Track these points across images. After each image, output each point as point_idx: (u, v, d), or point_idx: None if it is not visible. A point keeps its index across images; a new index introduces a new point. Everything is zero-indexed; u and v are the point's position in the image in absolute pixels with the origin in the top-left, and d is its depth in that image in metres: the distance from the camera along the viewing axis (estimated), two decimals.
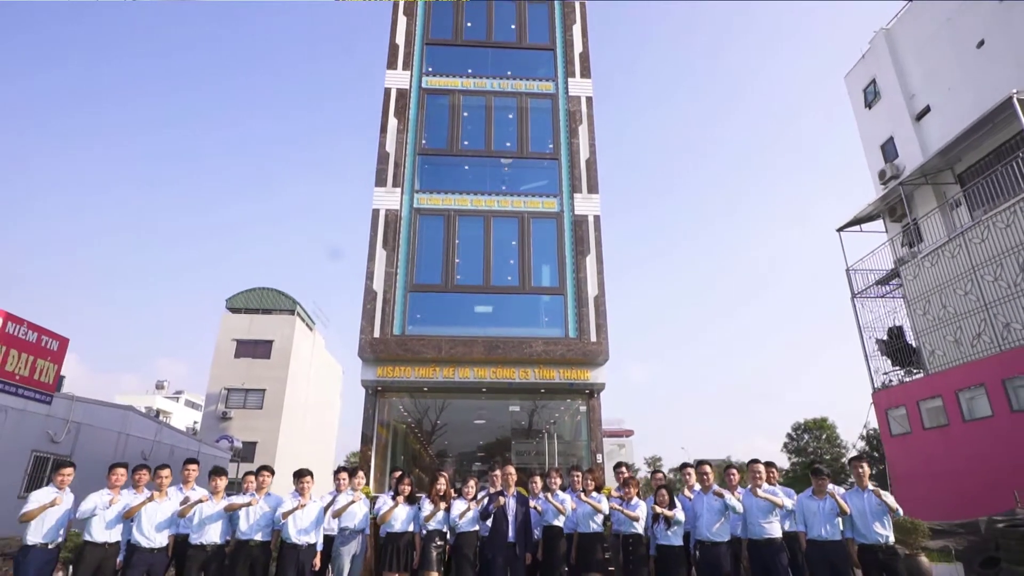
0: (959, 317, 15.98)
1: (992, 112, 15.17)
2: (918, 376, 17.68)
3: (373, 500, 7.46)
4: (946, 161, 17.95)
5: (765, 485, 7.01)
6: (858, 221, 21.09)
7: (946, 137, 17.33)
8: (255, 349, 34.75)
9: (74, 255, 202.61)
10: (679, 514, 6.81)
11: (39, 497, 6.26)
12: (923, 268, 17.38)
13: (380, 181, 16.14)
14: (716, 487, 7.02)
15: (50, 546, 6.23)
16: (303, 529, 6.61)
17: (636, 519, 7.00)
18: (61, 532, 6.35)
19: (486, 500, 7.08)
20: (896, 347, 18.63)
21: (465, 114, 17.62)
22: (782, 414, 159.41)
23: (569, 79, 17.96)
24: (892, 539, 6.32)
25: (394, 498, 7.01)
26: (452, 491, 7.25)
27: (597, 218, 16.25)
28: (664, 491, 6.93)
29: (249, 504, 6.61)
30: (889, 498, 6.34)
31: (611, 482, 10.13)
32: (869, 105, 22.61)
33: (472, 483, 7.32)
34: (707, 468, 7.25)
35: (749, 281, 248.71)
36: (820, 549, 6.46)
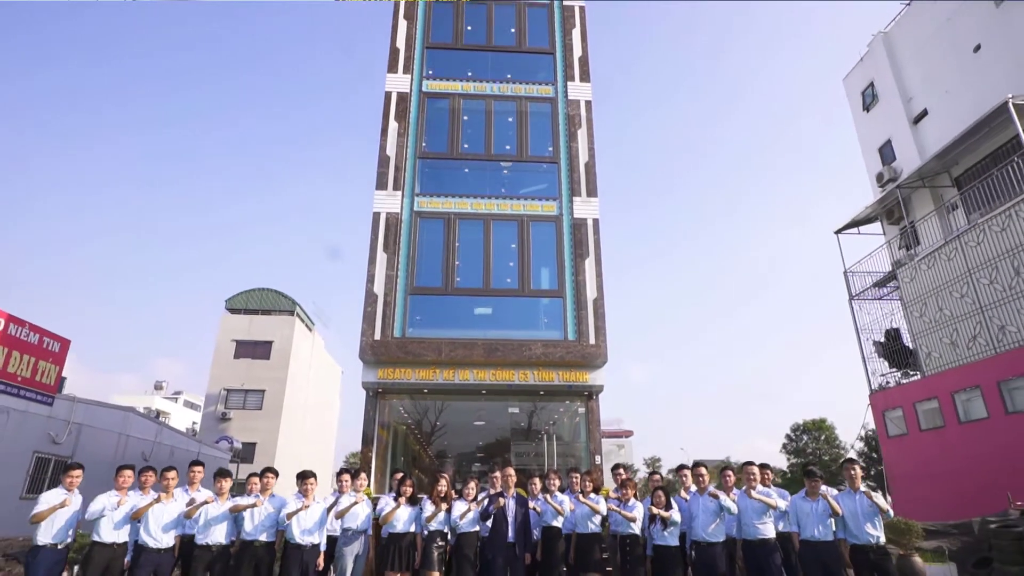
0: (955, 319, 16.11)
1: (988, 116, 15.30)
2: (915, 378, 17.79)
3: (375, 501, 7.57)
4: (943, 164, 18.08)
5: (759, 486, 7.14)
6: (856, 223, 21.21)
7: (943, 140, 17.45)
8: (254, 350, 34.80)
9: (74, 255, 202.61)
10: (675, 515, 6.92)
11: (49, 498, 6.36)
12: (920, 271, 17.50)
13: (381, 184, 16.24)
14: (711, 488, 7.14)
15: (59, 546, 6.34)
16: (307, 530, 6.73)
17: (633, 520, 7.10)
18: (70, 533, 6.47)
19: (486, 501, 7.20)
20: (893, 349, 18.74)
21: (465, 118, 17.72)
22: (782, 414, 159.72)
23: (568, 83, 18.06)
24: (883, 539, 6.45)
25: (396, 499, 7.12)
26: (453, 492, 7.37)
27: (596, 221, 16.35)
28: (661, 492, 7.05)
29: (254, 505, 6.73)
30: (880, 499, 6.47)
31: (609, 483, 10.25)
32: (867, 108, 22.74)
33: (472, 484, 7.43)
34: (703, 470, 7.38)
35: (749, 281, 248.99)
36: (813, 549, 6.58)
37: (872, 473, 33.92)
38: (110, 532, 6.34)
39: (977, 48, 17.86)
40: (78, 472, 6.60)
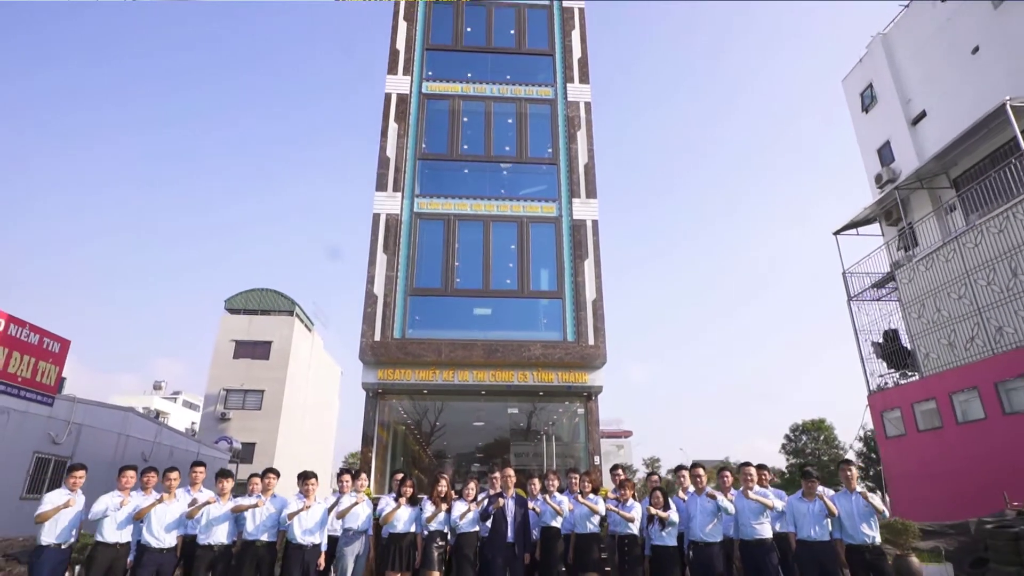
0: (953, 320, 16.16)
1: (986, 118, 15.35)
2: (913, 379, 17.84)
3: (375, 501, 7.62)
4: (941, 166, 18.14)
5: (756, 487, 7.20)
6: (854, 224, 21.28)
7: (942, 142, 17.51)
8: (254, 350, 34.80)
9: (74, 255, 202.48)
10: (673, 515, 6.99)
11: (53, 499, 6.42)
12: (918, 272, 17.56)
13: (381, 186, 16.29)
14: (709, 489, 7.20)
15: (63, 546, 6.40)
16: (308, 530, 6.79)
17: (631, 520, 7.16)
18: (73, 533, 6.53)
19: (486, 502, 7.25)
20: (891, 350, 18.80)
21: (465, 119, 17.77)
22: (782, 414, 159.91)
23: (568, 84, 18.11)
24: (879, 539, 6.51)
25: (397, 500, 7.17)
26: (452, 493, 7.42)
27: (595, 223, 16.40)
28: (659, 493, 7.12)
29: (256, 506, 6.79)
30: (876, 500, 6.54)
31: (608, 484, 10.31)
32: (866, 109, 22.81)
33: (472, 485, 7.49)
34: (700, 471, 7.44)
35: (749, 281, 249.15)
36: (809, 549, 6.64)
37: (871, 474, 33.96)
38: (113, 532, 6.40)
39: (975, 50, 17.92)
40: (81, 472, 6.65)
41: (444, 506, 7.19)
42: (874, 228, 21.46)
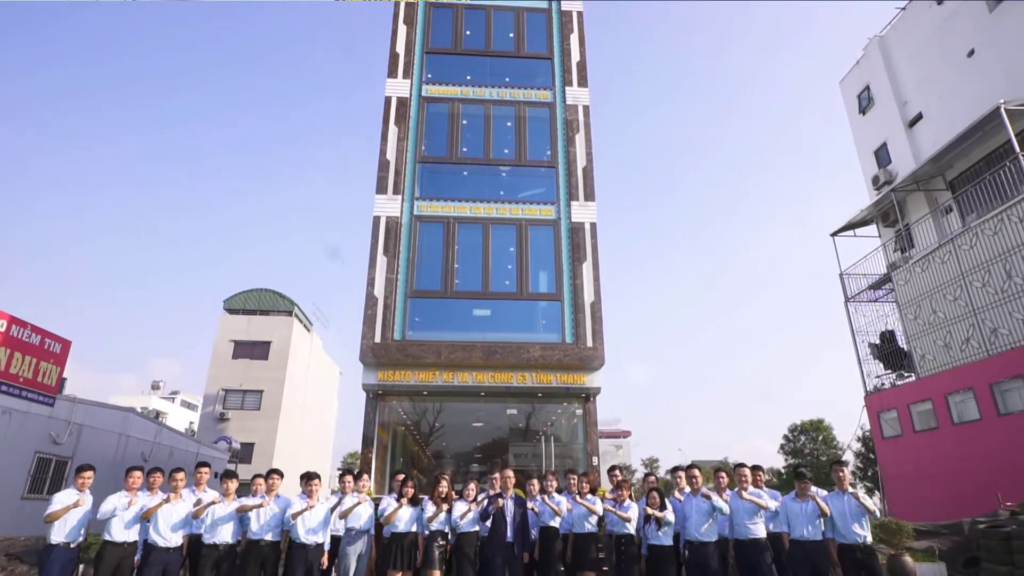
0: (949, 322, 16.28)
1: (981, 121, 15.47)
2: (909, 380, 17.96)
3: (376, 502, 7.74)
4: (938, 168, 18.27)
5: (751, 488, 7.32)
6: (852, 226, 21.40)
7: (938, 144, 17.63)
8: (253, 350, 34.87)
9: (73, 255, 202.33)
10: (669, 515, 7.11)
11: (62, 499, 6.54)
12: (914, 273, 17.67)
13: (381, 188, 16.39)
14: (704, 490, 7.33)
15: (72, 545, 6.53)
16: (311, 529, 6.93)
17: (628, 520, 7.29)
18: (82, 532, 6.66)
19: (486, 502, 7.38)
20: (888, 351, 18.93)
21: (464, 122, 17.87)
22: (782, 414, 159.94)
23: (567, 88, 18.21)
24: (870, 539, 6.64)
25: (398, 500, 7.29)
26: (453, 493, 7.54)
27: (594, 225, 16.51)
28: (655, 493, 7.24)
29: (260, 506, 6.92)
30: (867, 500, 6.68)
31: (606, 484, 10.42)
32: (863, 111, 22.94)
33: (473, 486, 7.62)
34: (696, 471, 7.60)
35: (749, 281, 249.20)
36: (802, 549, 6.76)
37: (870, 474, 34.06)
38: (121, 531, 6.53)
39: (971, 53, 18.04)
40: (90, 473, 6.79)
41: (445, 506, 7.31)
42: (871, 230, 21.59)
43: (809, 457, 42.44)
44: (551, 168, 17.41)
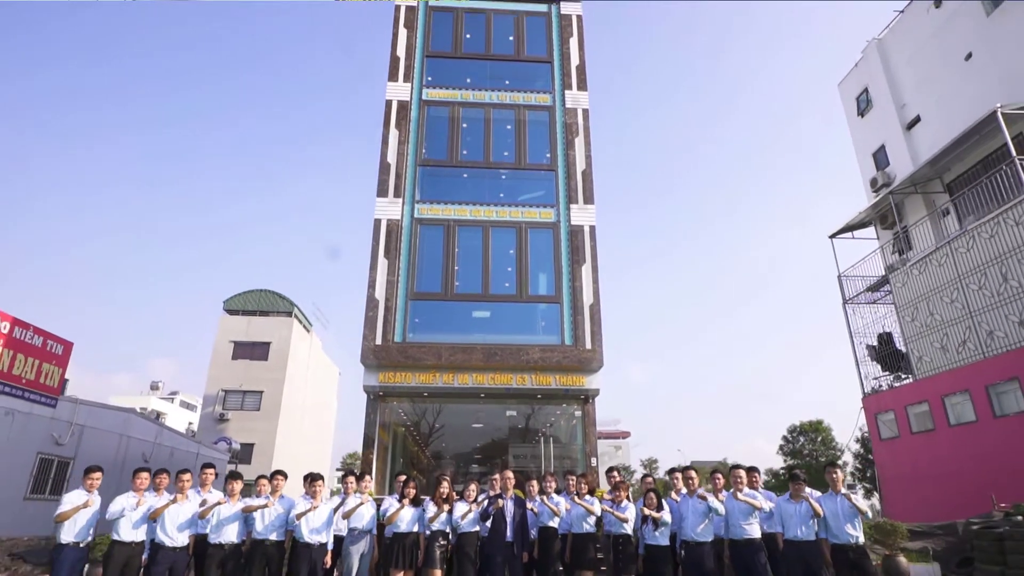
0: (945, 324, 16.37)
1: (978, 124, 15.55)
2: (906, 381, 18.04)
3: (377, 502, 7.85)
4: (935, 171, 18.35)
5: (746, 489, 7.44)
6: (850, 228, 21.46)
7: (936, 147, 17.70)
8: (252, 351, 34.87)
9: (73, 255, 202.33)
10: (666, 516, 7.23)
11: (72, 499, 6.66)
12: (912, 276, 17.74)
13: (382, 191, 16.51)
14: (700, 491, 7.44)
15: (81, 545, 6.66)
16: (315, 529, 7.04)
17: (626, 520, 7.42)
18: (91, 532, 6.79)
19: (486, 503, 7.50)
20: (885, 353, 19.01)
21: (464, 125, 17.99)
22: (782, 415, 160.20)
23: (566, 91, 18.34)
24: (862, 539, 6.75)
25: (400, 500, 7.41)
26: (454, 494, 7.66)
27: (593, 228, 16.63)
28: (652, 494, 7.35)
29: (265, 506, 7.04)
30: (860, 501, 6.79)
31: (605, 485, 10.53)
32: (862, 113, 23.03)
33: (473, 487, 7.74)
34: (692, 473, 7.73)
35: (749, 281, 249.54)
36: (796, 549, 6.88)
37: (868, 475, 34.10)
38: (129, 531, 6.66)
39: (968, 56, 18.12)
40: (98, 474, 6.91)
41: (446, 507, 7.42)
42: (870, 232, 21.65)
43: (808, 458, 42.42)
44: (551, 171, 17.51)
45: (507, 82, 18.69)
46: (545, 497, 7.79)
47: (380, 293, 15.43)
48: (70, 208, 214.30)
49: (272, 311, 37.01)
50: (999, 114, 14.87)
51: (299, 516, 7.00)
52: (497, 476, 7.81)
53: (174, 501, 6.85)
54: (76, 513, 6.57)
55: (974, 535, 9.87)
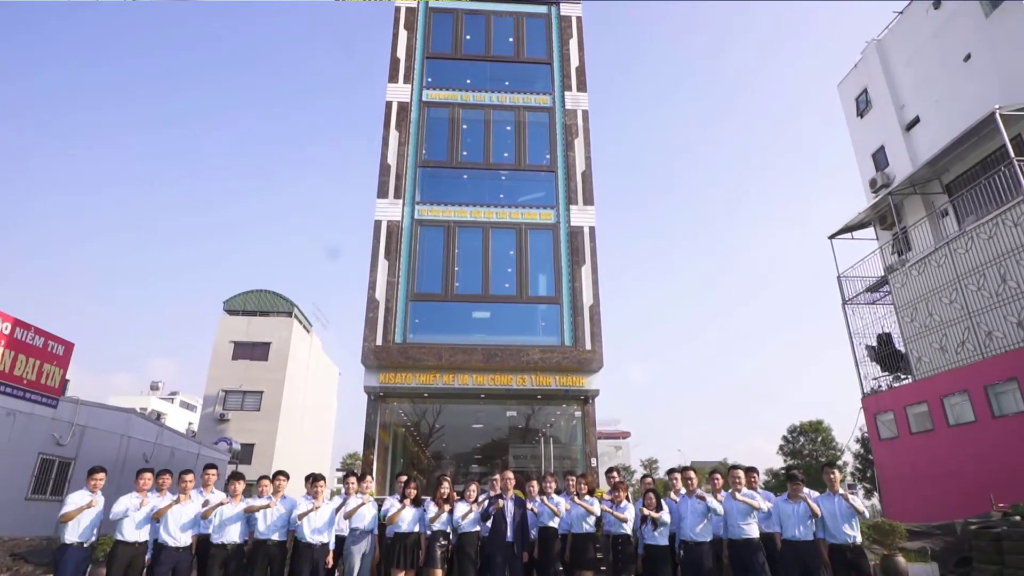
0: (944, 325, 16.41)
1: (977, 126, 15.59)
2: (906, 382, 18.08)
3: (379, 502, 7.90)
4: (934, 171, 18.39)
5: (744, 489, 7.50)
6: (849, 229, 21.51)
7: (935, 148, 17.72)
8: (253, 351, 34.90)
9: (73, 255, 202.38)
10: (665, 516, 7.29)
11: (76, 499, 6.72)
12: (911, 276, 17.78)
13: (382, 193, 16.55)
14: (699, 491, 7.50)
15: (85, 545, 6.73)
16: (317, 529, 7.10)
17: (625, 520, 7.48)
18: (94, 532, 6.85)
19: (486, 503, 7.56)
20: (885, 353, 19.04)
21: (464, 127, 18.03)
22: (782, 415, 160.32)
23: (566, 93, 18.38)
24: (859, 539, 6.82)
25: (401, 501, 7.47)
26: (455, 494, 7.71)
27: (592, 229, 16.68)
28: (651, 495, 7.41)
29: (267, 507, 7.11)
30: (857, 502, 6.85)
31: (604, 485, 10.58)
32: (861, 114, 23.07)
33: (474, 487, 7.81)
34: (691, 473, 7.79)
35: (749, 281, 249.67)
36: (794, 548, 6.94)
37: (868, 475, 34.14)
38: (132, 531, 6.72)
39: (967, 57, 18.16)
40: (102, 475, 6.98)
41: (447, 507, 7.48)
42: (869, 232, 21.69)
43: (808, 458, 42.43)
44: (550, 172, 17.56)
45: (507, 83, 18.74)
46: (545, 497, 7.85)
47: (380, 294, 15.48)
48: (70, 208, 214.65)
49: (272, 311, 37.05)
50: (997, 115, 14.91)
51: (301, 516, 7.06)
52: (497, 476, 7.87)
53: (177, 502, 6.91)
54: (80, 513, 6.64)
55: (972, 535, 9.93)
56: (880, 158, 21.78)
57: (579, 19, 19.50)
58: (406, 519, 7.33)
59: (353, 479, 7.93)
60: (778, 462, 46.35)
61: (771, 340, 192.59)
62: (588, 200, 16.99)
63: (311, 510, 7.11)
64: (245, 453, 30.87)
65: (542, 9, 19.79)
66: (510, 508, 7.57)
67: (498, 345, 15.37)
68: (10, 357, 13.53)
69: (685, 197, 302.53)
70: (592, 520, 7.73)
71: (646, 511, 7.29)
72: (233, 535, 7.02)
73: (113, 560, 6.57)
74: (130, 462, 16.61)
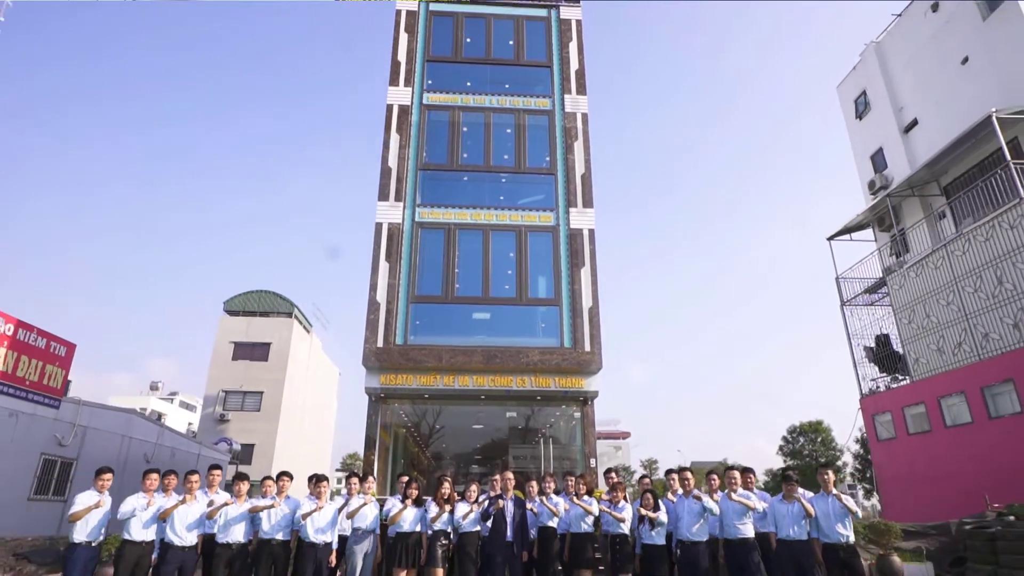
0: (942, 326, 16.48)
1: (974, 129, 15.64)
2: (903, 383, 18.14)
3: (380, 502, 8.01)
4: (932, 173, 18.45)
5: (740, 490, 7.60)
6: (848, 230, 21.56)
7: (933, 150, 17.76)
8: (253, 351, 34.92)
9: (73, 254, 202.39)
10: (662, 516, 7.41)
11: (84, 499, 6.84)
12: (908, 278, 17.85)
13: (383, 195, 16.66)
14: (696, 491, 7.60)
15: (93, 544, 6.85)
16: (320, 529, 7.23)
17: (623, 521, 7.58)
18: (102, 531, 6.97)
19: (486, 503, 7.67)
20: (883, 354, 19.10)
21: (464, 129, 18.13)
22: (782, 415, 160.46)
23: (565, 96, 18.49)
24: (852, 539, 6.94)
25: (403, 501, 7.58)
26: (455, 495, 7.81)
27: (592, 231, 16.78)
28: (649, 495, 7.52)
29: (272, 507, 7.23)
30: (850, 502, 6.97)
31: (604, 485, 10.68)
32: (860, 116, 23.11)
33: (474, 487, 7.92)
34: (688, 474, 7.92)
35: (749, 281, 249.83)
36: (789, 548, 7.06)
37: (868, 475, 34.19)
38: (139, 531, 6.83)
39: (965, 60, 18.20)
40: (109, 475, 7.08)
41: (447, 507, 7.59)
42: (867, 234, 21.76)
43: (808, 458, 42.44)
44: (550, 175, 17.66)
45: (507, 86, 18.83)
46: (544, 498, 7.96)
47: (381, 296, 15.58)
48: (70, 207, 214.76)
49: (272, 312, 37.08)
50: (994, 119, 14.98)
51: (305, 516, 7.18)
52: (497, 477, 7.99)
53: (183, 502, 7.02)
54: (88, 513, 6.75)
55: (967, 535, 10.02)
56: (879, 160, 21.83)
57: (579, 22, 19.59)
58: (408, 519, 7.44)
59: (355, 479, 8.05)
60: (778, 462, 46.37)
61: (771, 340, 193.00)
62: (587, 203, 17.09)
63: (315, 510, 7.22)
64: (245, 453, 30.90)
65: (542, 12, 19.90)
66: (510, 508, 7.68)
67: (498, 347, 15.47)
68: (13, 358, 13.60)
69: (685, 197, 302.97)
70: (590, 520, 7.85)
71: (644, 511, 7.41)
72: (238, 535, 7.13)
73: (120, 559, 6.69)
74: (131, 462, 16.69)
